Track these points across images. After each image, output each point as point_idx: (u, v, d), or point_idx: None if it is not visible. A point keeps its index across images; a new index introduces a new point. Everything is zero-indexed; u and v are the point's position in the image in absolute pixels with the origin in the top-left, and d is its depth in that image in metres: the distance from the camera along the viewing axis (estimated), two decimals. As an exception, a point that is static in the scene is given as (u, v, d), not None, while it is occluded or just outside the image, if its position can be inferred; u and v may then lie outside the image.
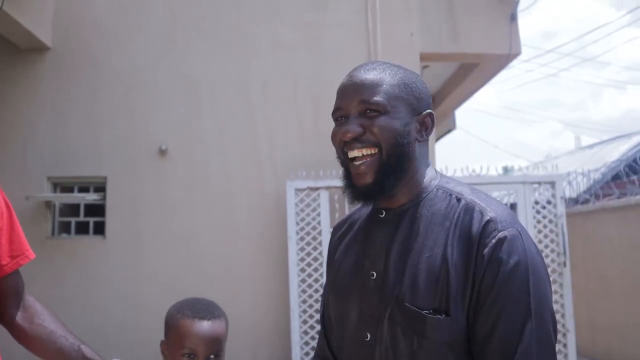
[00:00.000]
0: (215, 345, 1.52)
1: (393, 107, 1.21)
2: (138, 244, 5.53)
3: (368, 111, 1.21)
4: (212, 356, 1.52)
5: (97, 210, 5.71)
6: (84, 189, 5.73)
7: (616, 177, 8.65)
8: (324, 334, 1.42)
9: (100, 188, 5.65)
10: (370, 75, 1.24)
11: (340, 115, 1.26)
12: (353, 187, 1.25)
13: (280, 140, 5.77)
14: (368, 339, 1.20)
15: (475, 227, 1.13)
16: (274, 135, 5.78)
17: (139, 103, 5.73)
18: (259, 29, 5.92)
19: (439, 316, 1.10)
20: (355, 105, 1.22)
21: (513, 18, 6.52)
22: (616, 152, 11.46)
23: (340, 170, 4.96)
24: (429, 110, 1.27)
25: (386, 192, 1.22)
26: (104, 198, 5.59)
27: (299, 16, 5.99)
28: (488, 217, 1.13)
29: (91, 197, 5.54)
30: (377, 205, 1.28)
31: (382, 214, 1.27)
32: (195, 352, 1.50)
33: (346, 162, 1.27)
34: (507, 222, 1.13)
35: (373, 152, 1.20)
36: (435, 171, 1.30)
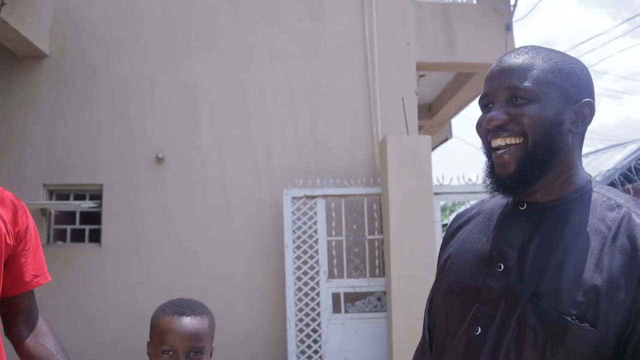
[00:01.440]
0: (194, 341, 1.49)
1: (544, 93, 1.11)
2: (134, 252, 5.52)
3: (516, 98, 1.12)
4: (192, 353, 1.49)
5: (92, 218, 5.69)
6: (79, 197, 5.71)
7: (611, 185, 8.68)
8: (429, 346, 1.29)
9: (97, 196, 5.63)
10: (520, 59, 1.15)
11: (486, 102, 1.17)
12: (494, 178, 1.16)
13: (278, 148, 5.77)
14: (478, 332, 1.10)
15: None
16: (271, 144, 5.78)
17: (136, 111, 5.73)
18: (256, 37, 5.94)
19: (585, 325, 0.98)
20: (502, 92, 1.14)
21: (508, 28, 6.56)
22: (611, 161, 11.47)
23: (337, 179, 4.98)
24: (587, 99, 1.14)
25: (529, 185, 1.12)
26: (100, 206, 5.57)
27: (297, 25, 6.01)
28: None
29: (87, 204, 5.52)
30: (518, 198, 1.18)
31: (522, 206, 1.17)
32: (175, 349, 1.48)
33: (489, 151, 1.17)
34: None
35: (517, 141, 1.11)
36: (589, 175, 1.19)
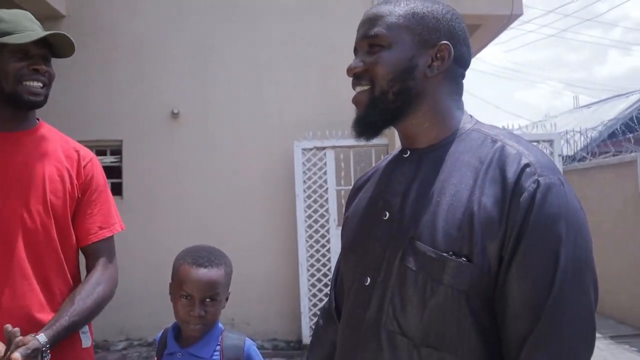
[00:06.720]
0: (210, 290, 1.68)
1: (395, 38, 1.11)
2: (153, 204, 5.79)
3: (372, 47, 1.13)
4: (207, 300, 1.68)
5: (113, 172, 5.93)
6: (101, 152, 5.94)
7: (612, 135, 8.81)
8: (335, 296, 1.37)
9: (117, 151, 5.88)
10: (377, 9, 1.15)
11: (355, 54, 1.19)
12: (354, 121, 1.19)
13: (289, 102, 5.95)
14: (367, 283, 1.11)
15: (512, 170, 1.00)
16: (283, 98, 5.96)
17: (152, 68, 5.92)
18: (266, -7, 6.03)
19: (461, 260, 0.98)
20: (361, 42, 1.16)
21: (515, -22, 6.57)
22: (613, 111, 11.59)
23: (346, 131, 5.26)
24: (444, 42, 1.11)
25: (378, 128, 1.17)
26: (121, 160, 5.83)
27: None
28: (527, 161, 1.00)
29: (108, 159, 5.78)
30: (402, 145, 1.20)
31: (406, 153, 1.18)
32: (192, 295, 1.67)
33: None
34: (548, 169, 1.01)
35: (367, 88, 1.14)
36: (471, 117, 1.19)
